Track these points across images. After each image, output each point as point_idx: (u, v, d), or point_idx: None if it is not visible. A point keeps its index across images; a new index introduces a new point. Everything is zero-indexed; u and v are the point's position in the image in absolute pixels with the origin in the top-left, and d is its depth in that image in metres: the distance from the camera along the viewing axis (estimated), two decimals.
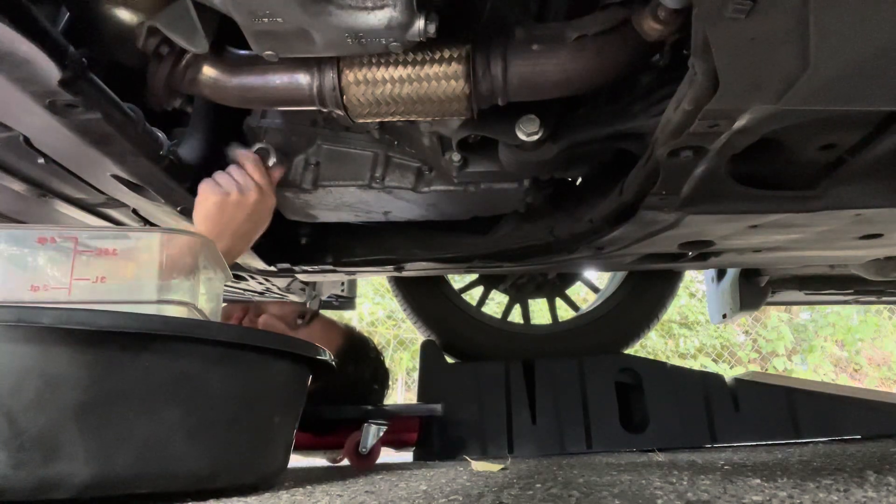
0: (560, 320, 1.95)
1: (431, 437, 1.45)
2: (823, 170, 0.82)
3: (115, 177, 0.89)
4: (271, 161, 1.00)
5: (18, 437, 0.56)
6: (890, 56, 0.53)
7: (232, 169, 0.98)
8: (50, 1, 0.76)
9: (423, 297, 1.86)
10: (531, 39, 0.76)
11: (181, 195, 0.95)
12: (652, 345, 5.78)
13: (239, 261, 1.31)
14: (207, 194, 0.96)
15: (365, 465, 1.21)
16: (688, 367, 1.93)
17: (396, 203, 1.09)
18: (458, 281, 2.08)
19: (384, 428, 1.22)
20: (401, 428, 1.37)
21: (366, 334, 1.60)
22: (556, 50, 0.75)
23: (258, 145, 1.00)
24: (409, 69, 0.76)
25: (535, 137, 0.84)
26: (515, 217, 1.19)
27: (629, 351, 1.91)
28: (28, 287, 0.68)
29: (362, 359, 1.45)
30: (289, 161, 1.03)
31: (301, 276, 1.46)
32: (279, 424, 0.75)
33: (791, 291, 1.90)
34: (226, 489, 0.70)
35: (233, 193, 0.96)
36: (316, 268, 1.35)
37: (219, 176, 0.97)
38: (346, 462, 1.42)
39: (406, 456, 1.36)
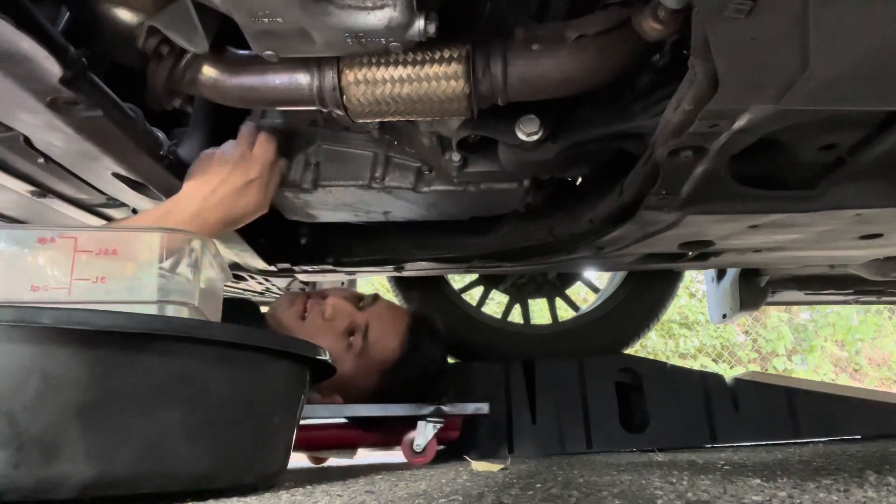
0: (560, 320, 1.95)
1: (475, 435, 1.45)
2: (823, 170, 0.82)
3: (116, 175, 0.89)
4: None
5: (18, 437, 0.56)
6: (889, 56, 0.53)
7: (239, 137, 0.96)
8: (50, 1, 0.76)
9: (423, 297, 1.86)
10: (531, 39, 0.76)
11: None
12: (652, 345, 5.77)
13: (239, 260, 1.31)
14: (205, 152, 0.95)
15: (420, 462, 1.21)
16: (688, 367, 1.93)
17: (396, 203, 1.09)
18: (457, 281, 2.08)
19: (439, 425, 1.23)
20: (444, 426, 1.36)
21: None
22: (556, 50, 0.75)
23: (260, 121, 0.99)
24: (409, 69, 0.76)
25: (535, 137, 0.84)
26: (515, 217, 1.19)
27: (629, 351, 1.91)
28: (28, 287, 0.68)
29: (435, 334, 1.40)
30: (289, 161, 1.03)
31: (301, 276, 1.46)
32: (279, 424, 0.75)
33: (791, 291, 1.90)
34: (226, 489, 0.70)
35: (228, 153, 0.94)
36: (316, 268, 1.35)
37: (226, 144, 0.96)
38: (330, 462, 1.42)
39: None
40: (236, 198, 0.94)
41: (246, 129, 0.97)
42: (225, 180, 0.93)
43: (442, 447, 1.29)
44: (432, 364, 1.37)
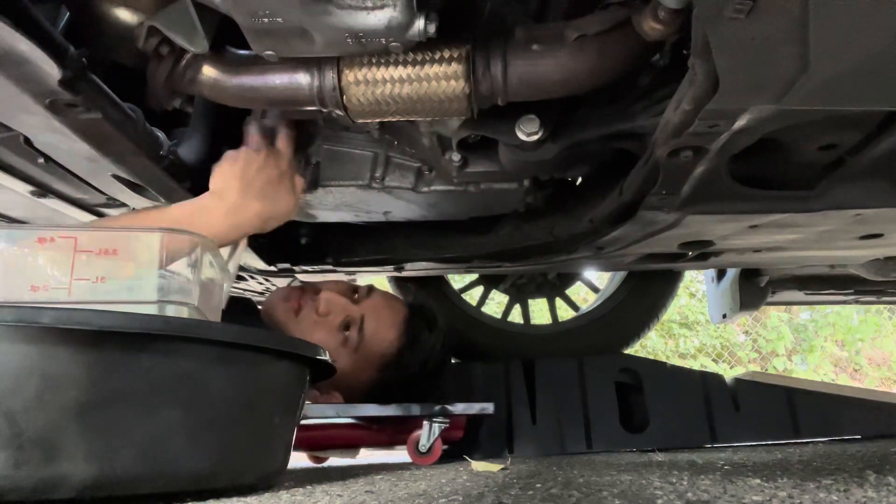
0: (560, 320, 1.95)
1: (479, 434, 1.44)
2: (823, 170, 0.82)
3: (116, 176, 0.89)
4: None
5: (18, 437, 0.56)
6: (889, 56, 0.53)
7: (254, 136, 0.95)
8: (50, 1, 0.76)
9: (422, 297, 1.86)
10: (531, 39, 0.76)
11: (181, 195, 0.95)
12: (652, 345, 5.77)
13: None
14: (230, 153, 0.94)
15: (425, 462, 1.21)
16: (688, 367, 1.93)
17: (396, 203, 1.09)
18: (457, 281, 2.08)
19: (444, 426, 1.21)
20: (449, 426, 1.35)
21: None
22: (556, 50, 0.75)
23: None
24: (409, 69, 0.76)
25: (535, 137, 0.84)
26: (515, 217, 1.19)
27: (629, 351, 1.91)
28: (28, 287, 0.68)
29: (434, 325, 1.35)
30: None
31: (301, 276, 1.46)
32: (279, 424, 0.75)
33: (791, 291, 1.90)
34: (226, 489, 0.70)
35: (254, 147, 0.93)
36: (316, 268, 1.35)
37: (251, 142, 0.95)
38: (330, 462, 1.42)
39: (404, 456, 1.36)
40: (273, 190, 0.94)
41: (257, 128, 0.96)
42: (259, 172, 0.93)
43: (446, 447, 1.28)
44: (432, 356, 1.32)
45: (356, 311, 1.25)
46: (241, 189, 0.92)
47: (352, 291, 1.29)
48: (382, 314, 1.28)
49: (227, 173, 0.92)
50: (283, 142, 0.97)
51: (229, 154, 0.95)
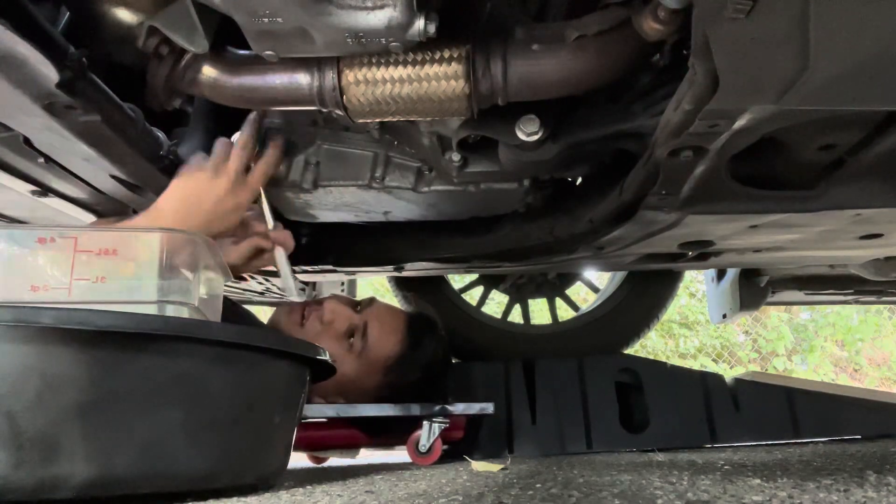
0: (560, 320, 1.95)
1: (479, 434, 1.45)
2: (823, 170, 0.82)
3: (114, 177, 0.89)
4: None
5: (18, 437, 0.56)
6: (890, 56, 0.53)
7: (230, 151, 0.93)
8: (50, 1, 0.76)
9: (422, 297, 1.86)
10: (531, 39, 0.76)
11: None
12: (652, 345, 5.77)
13: None
14: (188, 167, 0.91)
15: (425, 462, 1.22)
16: (688, 367, 1.93)
17: (396, 203, 1.09)
18: (457, 281, 2.08)
19: (444, 426, 1.23)
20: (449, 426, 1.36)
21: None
22: (556, 50, 0.75)
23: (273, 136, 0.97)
24: (409, 69, 0.76)
25: (535, 137, 0.84)
26: (515, 217, 1.19)
27: (629, 351, 1.91)
28: (28, 287, 0.69)
29: (436, 331, 1.39)
30: (289, 161, 1.03)
31: (301, 276, 1.46)
32: (279, 424, 0.75)
33: (791, 291, 1.90)
34: (226, 489, 0.70)
35: (207, 172, 0.91)
36: (316, 268, 1.35)
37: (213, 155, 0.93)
38: (330, 462, 1.42)
39: (404, 456, 1.36)
40: (208, 214, 0.92)
41: (251, 128, 0.96)
42: (206, 193, 0.91)
43: (446, 447, 1.29)
44: (434, 361, 1.36)
45: (359, 319, 1.29)
46: (174, 210, 0.89)
47: (354, 304, 1.35)
48: (384, 320, 1.32)
49: (171, 190, 0.90)
50: (233, 159, 0.93)
51: (184, 169, 0.92)
